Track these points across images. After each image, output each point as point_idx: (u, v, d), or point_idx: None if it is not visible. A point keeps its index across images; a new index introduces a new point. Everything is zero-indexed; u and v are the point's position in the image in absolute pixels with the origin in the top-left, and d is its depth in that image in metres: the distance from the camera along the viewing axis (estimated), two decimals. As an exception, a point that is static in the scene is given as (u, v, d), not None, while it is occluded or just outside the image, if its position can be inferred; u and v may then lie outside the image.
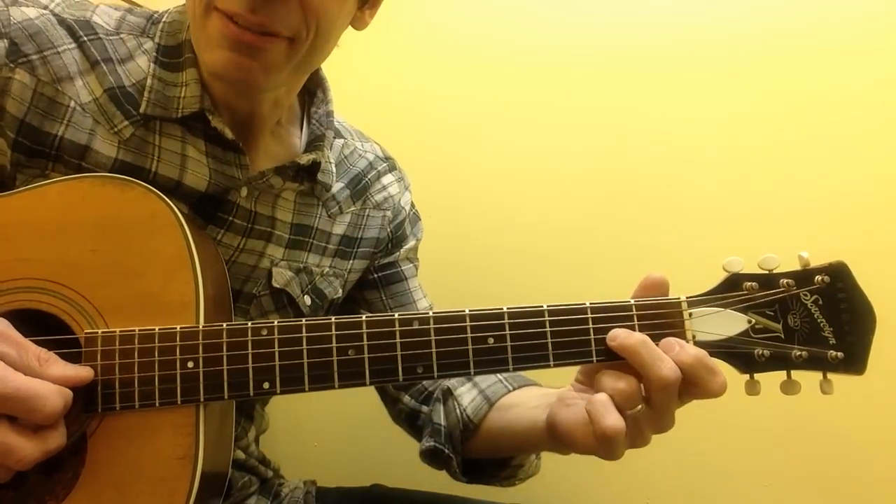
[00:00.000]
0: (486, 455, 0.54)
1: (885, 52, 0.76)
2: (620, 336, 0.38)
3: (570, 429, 0.40)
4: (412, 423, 0.58)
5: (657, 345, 0.38)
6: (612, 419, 0.36)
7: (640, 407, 0.37)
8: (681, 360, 0.37)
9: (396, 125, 0.82)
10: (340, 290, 0.57)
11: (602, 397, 0.37)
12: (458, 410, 0.53)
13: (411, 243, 0.62)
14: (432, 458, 0.55)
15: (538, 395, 0.50)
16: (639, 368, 0.37)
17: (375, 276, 0.60)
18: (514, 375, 0.54)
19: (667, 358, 0.37)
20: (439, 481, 0.57)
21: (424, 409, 0.57)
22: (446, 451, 0.53)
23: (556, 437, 0.43)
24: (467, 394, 0.54)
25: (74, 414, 0.37)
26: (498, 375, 0.54)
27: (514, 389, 0.53)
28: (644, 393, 0.37)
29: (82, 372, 0.37)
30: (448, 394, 0.55)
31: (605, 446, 0.37)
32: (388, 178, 0.61)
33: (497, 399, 0.53)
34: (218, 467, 0.42)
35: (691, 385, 0.37)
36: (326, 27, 0.43)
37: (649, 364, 0.37)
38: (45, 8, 0.44)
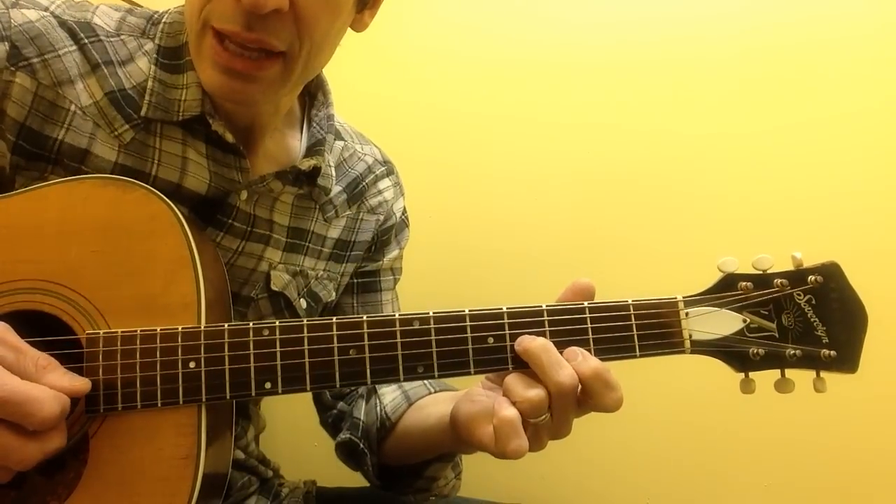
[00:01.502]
0: (400, 458, 0.53)
1: (880, 53, 0.77)
2: (524, 341, 0.38)
3: (470, 424, 0.40)
4: (337, 424, 0.58)
5: (562, 352, 0.38)
6: (516, 444, 0.36)
7: (544, 417, 0.37)
8: (581, 370, 0.37)
9: (395, 126, 0.83)
10: (334, 294, 0.57)
11: (512, 416, 0.36)
12: (378, 408, 0.54)
13: (394, 252, 0.61)
14: (347, 453, 0.54)
15: (451, 396, 0.50)
16: (539, 373, 0.37)
17: (354, 280, 0.59)
18: (438, 382, 0.54)
19: (566, 364, 0.37)
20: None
21: (350, 408, 0.57)
22: (361, 445, 0.53)
23: (456, 431, 0.43)
24: (390, 393, 0.55)
25: (76, 414, 0.38)
26: (425, 381, 0.54)
27: (436, 392, 0.53)
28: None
29: (78, 383, 0.36)
30: (372, 392, 0.55)
31: (502, 456, 0.38)
32: (384, 183, 0.61)
33: (417, 399, 0.53)
34: (219, 467, 0.42)
35: (587, 397, 0.38)
36: (320, 39, 0.43)
37: (548, 368, 0.37)
38: (46, 10, 0.44)
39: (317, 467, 0.68)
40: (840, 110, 0.78)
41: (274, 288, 0.51)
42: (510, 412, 0.37)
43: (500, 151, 0.89)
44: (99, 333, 0.38)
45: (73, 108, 0.44)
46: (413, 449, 0.52)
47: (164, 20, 0.47)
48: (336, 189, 0.56)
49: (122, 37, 0.46)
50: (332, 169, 0.55)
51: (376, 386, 0.55)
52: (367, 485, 0.63)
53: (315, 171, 0.51)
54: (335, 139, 0.57)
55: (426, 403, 0.52)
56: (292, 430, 0.84)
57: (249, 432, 0.58)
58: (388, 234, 0.61)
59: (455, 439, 0.44)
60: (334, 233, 0.56)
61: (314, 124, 0.54)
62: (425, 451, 0.51)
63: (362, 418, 0.54)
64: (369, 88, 0.91)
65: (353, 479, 0.64)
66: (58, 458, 0.37)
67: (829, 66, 0.79)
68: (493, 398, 0.40)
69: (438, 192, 0.88)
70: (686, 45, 0.83)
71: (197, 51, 0.43)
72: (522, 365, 0.39)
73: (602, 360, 0.39)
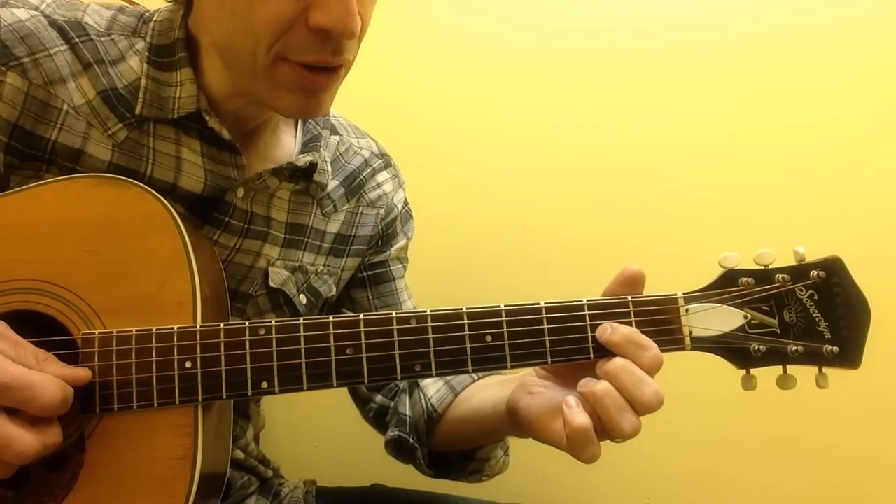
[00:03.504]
0: (452, 446, 0.54)
1: (881, 48, 0.76)
2: (606, 333, 0.39)
3: (536, 421, 0.41)
4: (380, 420, 0.58)
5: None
6: (590, 452, 0.37)
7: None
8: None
9: (395, 127, 0.82)
10: (335, 289, 0.57)
11: (584, 424, 0.37)
12: (423, 401, 0.54)
13: (401, 242, 0.62)
14: (397, 448, 0.55)
15: (500, 381, 0.50)
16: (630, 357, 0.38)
17: (364, 274, 0.59)
18: None
19: (651, 347, 0.38)
20: (440, 481, 0.57)
21: (393, 403, 0.57)
22: (411, 440, 0.53)
23: (517, 423, 0.43)
24: (433, 385, 0.55)
25: (72, 415, 0.37)
26: None
27: (479, 379, 0.54)
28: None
29: (80, 372, 0.37)
30: (414, 385, 0.55)
31: (577, 458, 0.38)
32: (382, 176, 0.61)
33: (462, 389, 0.53)
34: (217, 467, 0.42)
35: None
36: (364, 36, 0.44)
37: (632, 354, 0.38)
38: (36, 9, 0.44)
39: (317, 467, 0.67)
40: (842, 106, 0.77)
41: (272, 284, 0.51)
42: (582, 420, 0.37)
43: (498, 151, 0.88)
44: (94, 333, 0.38)
45: (65, 107, 0.43)
46: (466, 438, 0.53)
47: (154, 18, 0.47)
48: (333, 184, 0.55)
49: (113, 36, 0.46)
50: (329, 164, 0.55)
51: (418, 379, 0.55)
52: (368, 485, 0.63)
53: (311, 167, 0.51)
54: (331, 134, 0.57)
55: (473, 393, 0.53)
56: (292, 430, 0.84)
57: (249, 432, 0.57)
58: (393, 226, 0.61)
59: (514, 428, 0.45)
60: (333, 227, 0.56)
61: (309, 120, 0.54)
62: (481, 438, 0.52)
63: (408, 413, 0.54)
64: (370, 89, 0.90)
65: (354, 479, 0.64)
66: (54, 458, 0.37)
67: (829, 63, 0.78)
68: (555, 393, 0.41)
69: (438, 193, 0.87)
70: (687, 45, 0.83)
71: (267, 81, 0.41)
72: (522, 363, 0.39)
73: (601, 357, 0.39)
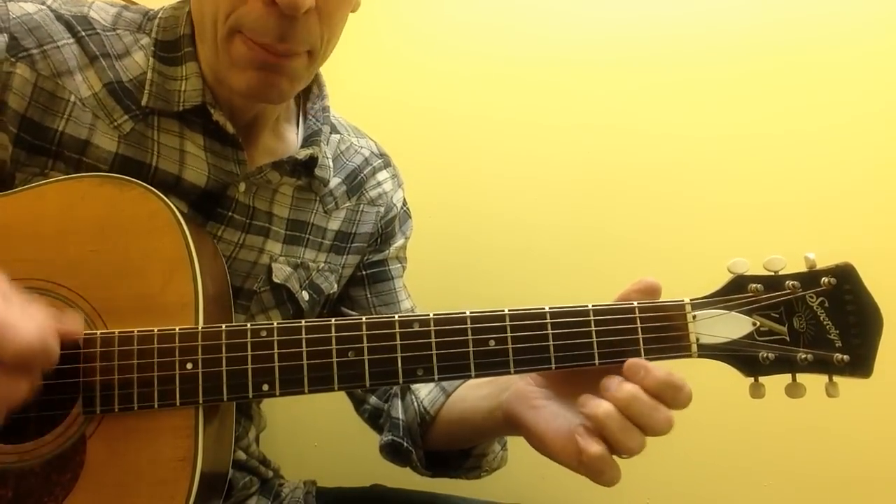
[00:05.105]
0: (448, 445, 0.54)
1: (893, 49, 0.75)
2: (638, 375, 0.37)
3: (545, 440, 0.40)
4: (375, 421, 0.59)
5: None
6: (610, 476, 0.36)
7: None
8: (647, 385, 0.36)
9: (396, 125, 0.82)
10: (336, 286, 0.57)
11: (601, 452, 0.36)
12: (415, 404, 0.54)
13: (400, 241, 0.62)
14: (393, 452, 0.55)
15: (485, 381, 0.50)
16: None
17: (363, 272, 0.60)
18: None
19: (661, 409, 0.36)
20: (439, 481, 0.57)
21: (386, 406, 0.57)
22: (405, 444, 0.53)
23: (518, 431, 0.43)
24: (425, 387, 0.55)
25: (73, 416, 0.37)
26: None
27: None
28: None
29: (68, 326, 0.34)
30: (406, 388, 0.56)
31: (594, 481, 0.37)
32: (382, 175, 0.61)
33: (453, 390, 0.53)
34: (218, 468, 0.42)
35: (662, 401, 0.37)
36: (337, 29, 0.44)
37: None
38: (43, 3, 0.45)
39: (317, 467, 0.68)
40: (853, 110, 0.76)
41: (276, 280, 0.51)
42: (597, 449, 0.36)
43: (503, 151, 0.88)
44: (96, 334, 0.38)
45: (72, 98, 0.44)
46: (462, 438, 0.53)
47: (159, 15, 0.48)
48: (335, 181, 0.56)
49: (118, 31, 0.46)
50: (330, 160, 0.55)
51: None
52: (368, 485, 0.63)
53: (312, 162, 0.51)
54: (331, 132, 0.57)
55: (464, 394, 0.52)
56: (292, 430, 0.84)
57: (251, 432, 0.58)
58: (392, 225, 0.61)
59: (513, 432, 0.44)
60: (335, 224, 0.56)
61: (310, 117, 0.54)
62: (477, 439, 0.52)
63: (401, 417, 0.55)
64: (371, 88, 0.90)
65: (354, 479, 0.64)
66: (54, 459, 0.37)
67: (840, 65, 0.77)
68: (559, 407, 0.40)
69: (440, 192, 0.87)
70: (696, 46, 0.82)
71: (224, 56, 0.42)
72: (526, 368, 0.38)
73: (606, 363, 0.39)
